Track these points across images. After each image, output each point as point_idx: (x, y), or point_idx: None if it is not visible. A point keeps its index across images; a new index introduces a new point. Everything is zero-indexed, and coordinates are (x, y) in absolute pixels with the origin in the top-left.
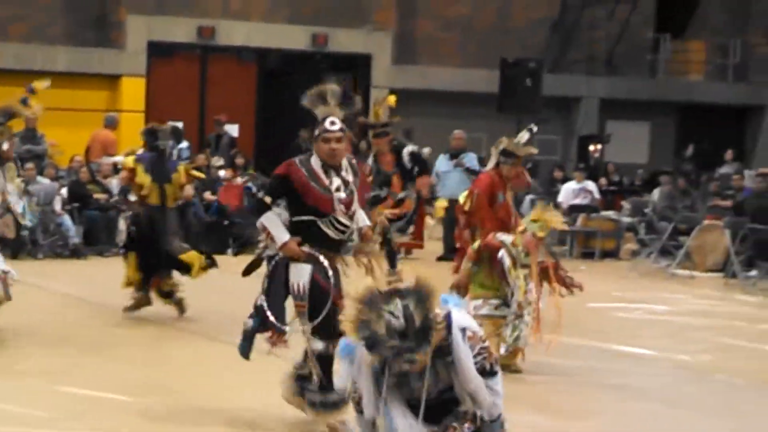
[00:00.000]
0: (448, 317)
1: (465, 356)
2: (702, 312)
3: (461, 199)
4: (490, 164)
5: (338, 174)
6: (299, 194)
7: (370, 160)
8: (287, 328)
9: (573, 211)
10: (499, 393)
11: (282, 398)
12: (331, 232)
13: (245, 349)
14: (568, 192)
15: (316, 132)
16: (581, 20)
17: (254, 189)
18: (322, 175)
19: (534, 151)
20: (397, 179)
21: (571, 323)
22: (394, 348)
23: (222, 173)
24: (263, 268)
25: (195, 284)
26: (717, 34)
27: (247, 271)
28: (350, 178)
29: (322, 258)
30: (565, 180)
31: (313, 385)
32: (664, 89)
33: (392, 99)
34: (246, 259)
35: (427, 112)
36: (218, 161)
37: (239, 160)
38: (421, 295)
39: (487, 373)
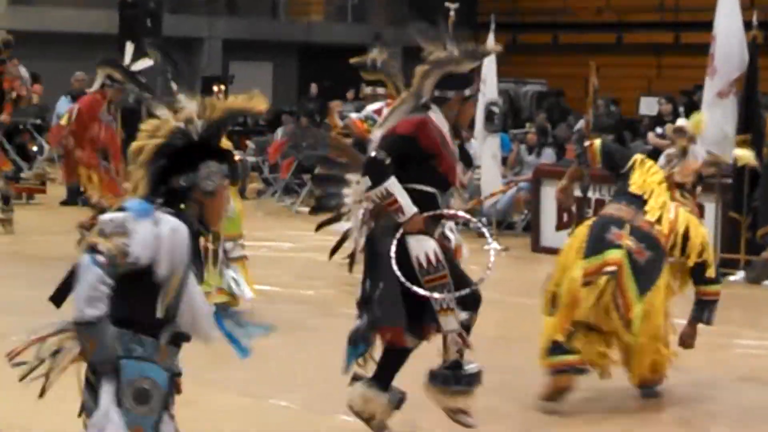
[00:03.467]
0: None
1: None
2: (326, 248)
3: (64, 120)
4: (96, 85)
5: (454, 140)
6: (430, 160)
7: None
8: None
9: None
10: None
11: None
12: (442, 208)
13: (351, 358)
14: None
15: (466, 92)
16: None
17: None
18: (450, 140)
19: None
20: None
21: None
22: None
23: None
24: None
25: None
26: None
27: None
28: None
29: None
30: None
31: (455, 367)
32: (285, 30)
33: None
34: None
35: (47, 54)
36: None
37: None
38: None
39: None
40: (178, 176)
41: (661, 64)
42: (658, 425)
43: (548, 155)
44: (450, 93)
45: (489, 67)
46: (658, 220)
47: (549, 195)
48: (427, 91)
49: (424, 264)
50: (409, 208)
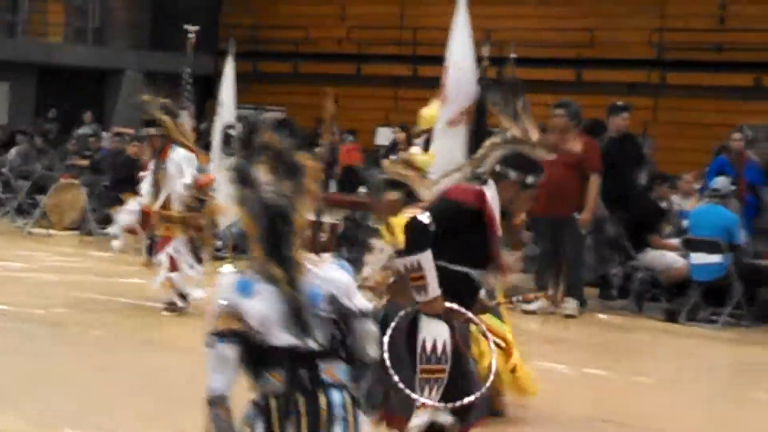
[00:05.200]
0: None
1: None
2: (58, 268)
3: None
4: None
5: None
6: (484, 237)
7: None
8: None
9: None
10: None
11: None
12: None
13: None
14: None
15: (529, 178)
16: None
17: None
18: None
19: None
20: None
21: None
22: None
23: None
24: None
25: None
26: None
27: None
28: None
29: (464, 315)
30: None
31: None
32: (23, 50)
33: None
34: None
35: None
36: None
37: None
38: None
39: None
40: None
41: (398, 95)
42: None
43: None
44: (512, 173)
45: (227, 91)
46: None
47: None
48: (490, 163)
49: (428, 350)
50: (434, 289)
